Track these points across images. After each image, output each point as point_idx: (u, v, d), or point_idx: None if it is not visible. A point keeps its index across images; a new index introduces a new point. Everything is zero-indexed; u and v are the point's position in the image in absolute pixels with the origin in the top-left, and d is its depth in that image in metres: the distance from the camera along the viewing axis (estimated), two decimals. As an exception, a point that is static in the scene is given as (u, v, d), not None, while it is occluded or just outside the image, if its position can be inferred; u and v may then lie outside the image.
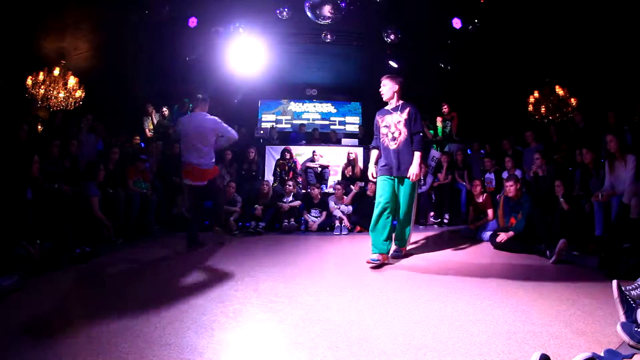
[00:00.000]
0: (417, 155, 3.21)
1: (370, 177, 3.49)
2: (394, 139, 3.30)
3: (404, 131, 3.27)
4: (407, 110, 3.29)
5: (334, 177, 6.80)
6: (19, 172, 3.58)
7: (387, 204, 3.26)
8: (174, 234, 4.95)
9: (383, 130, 3.37)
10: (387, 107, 3.42)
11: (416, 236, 3.64)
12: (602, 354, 1.37)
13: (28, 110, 6.39)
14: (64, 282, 2.64)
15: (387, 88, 3.34)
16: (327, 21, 5.30)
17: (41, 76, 6.38)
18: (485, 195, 4.93)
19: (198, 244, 3.86)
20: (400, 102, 3.34)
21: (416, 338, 1.67)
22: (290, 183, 5.65)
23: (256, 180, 6.29)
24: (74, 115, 6.35)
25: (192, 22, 6.12)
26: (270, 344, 1.66)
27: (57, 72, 6.52)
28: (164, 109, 7.14)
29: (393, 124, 3.31)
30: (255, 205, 5.29)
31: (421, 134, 3.27)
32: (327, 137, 8.38)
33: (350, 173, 6.33)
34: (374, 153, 3.53)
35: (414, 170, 3.18)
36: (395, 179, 3.28)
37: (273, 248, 4.04)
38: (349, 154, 6.48)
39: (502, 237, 3.82)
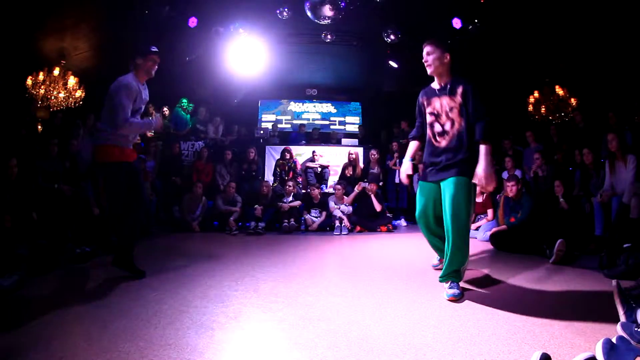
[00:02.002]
0: (484, 149, 2.27)
1: (402, 177, 2.72)
2: (443, 133, 2.43)
3: (459, 121, 2.38)
4: (459, 91, 2.38)
5: (334, 177, 6.81)
6: None
7: (422, 216, 2.55)
8: (174, 234, 4.96)
9: (429, 119, 2.52)
10: (433, 85, 2.56)
11: (416, 237, 3.62)
12: (614, 341, 1.37)
13: (28, 110, 6.40)
14: (64, 283, 2.64)
15: (434, 57, 2.43)
16: (327, 21, 5.30)
17: (41, 76, 6.38)
18: (485, 195, 4.93)
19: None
20: (450, 78, 2.46)
21: (416, 338, 1.67)
22: (290, 183, 5.65)
23: (256, 180, 6.30)
24: (74, 115, 6.36)
25: (192, 22, 6.13)
26: (270, 344, 1.66)
27: (57, 72, 6.52)
28: (165, 108, 7.15)
29: (443, 112, 2.43)
30: (255, 206, 5.29)
31: (488, 119, 2.33)
32: (327, 137, 8.39)
33: (351, 173, 6.33)
34: (412, 145, 2.71)
35: (480, 170, 2.24)
36: (440, 183, 2.43)
37: (273, 248, 4.04)
38: (349, 154, 6.47)
39: (495, 230, 3.92)
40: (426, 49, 2.48)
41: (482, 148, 2.28)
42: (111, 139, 2.65)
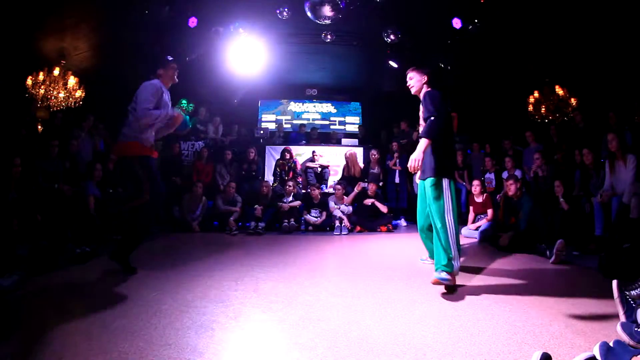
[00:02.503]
0: (421, 142, 2.59)
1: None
2: (419, 136, 2.82)
3: (422, 124, 2.79)
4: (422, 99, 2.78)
5: (334, 177, 6.81)
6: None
7: (418, 212, 3.00)
8: (174, 234, 4.96)
9: None
10: None
11: (416, 237, 3.62)
12: (611, 344, 1.38)
13: (28, 110, 6.40)
14: (64, 282, 2.64)
15: (415, 80, 2.91)
16: (327, 21, 5.30)
17: (41, 76, 6.38)
18: (485, 195, 4.93)
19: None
20: (426, 91, 2.82)
21: (416, 338, 1.67)
22: (291, 183, 5.65)
23: (256, 180, 6.30)
24: (73, 115, 6.36)
25: (192, 22, 6.12)
26: (270, 344, 1.66)
27: (57, 72, 6.52)
28: (164, 109, 7.14)
29: (420, 119, 2.87)
30: (255, 206, 5.29)
31: (432, 117, 2.59)
32: (327, 137, 8.39)
33: (348, 173, 6.34)
34: None
35: (412, 156, 2.57)
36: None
37: (273, 248, 4.04)
38: (345, 155, 6.49)
39: (503, 240, 3.75)
40: (408, 75, 2.96)
41: (421, 142, 2.60)
42: (132, 137, 2.83)
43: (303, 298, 2.25)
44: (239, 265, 3.10)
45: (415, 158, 2.55)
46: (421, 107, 2.79)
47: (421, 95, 2.83)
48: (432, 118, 2.62)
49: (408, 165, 2.59)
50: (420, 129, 2.84)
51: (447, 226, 2.55)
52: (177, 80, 3.15)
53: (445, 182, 2.63)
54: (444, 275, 2.40)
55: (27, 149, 4.77)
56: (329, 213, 5.40)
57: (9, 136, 4.94)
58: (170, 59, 3.13)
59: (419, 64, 3.02)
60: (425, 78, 2.89)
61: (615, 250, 3.01)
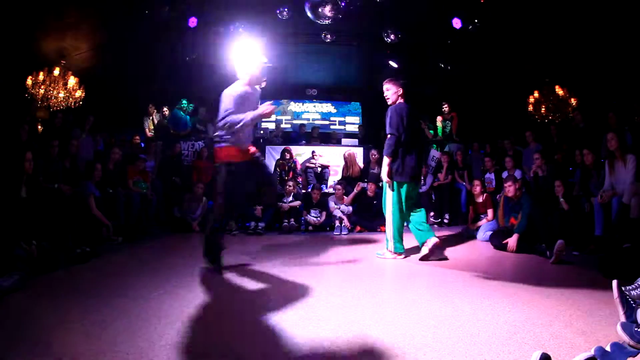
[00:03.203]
0: (384, 160, 3.20)
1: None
2: None
3: (386, 135, 3.23)
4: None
5: (334, 177, 6.80)
6: (12, 170, 3.54)
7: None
8: (173, 234, 4.96)
9: None
10: None
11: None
12: (608, 348, 1.38)
13: (28, 110, 6.40)
14: (64, 283, 2.64)
15: (392, 92, 3.26)
16: (327, 21, 5.31)
17: (41, 76, 6.38)
18: (485, 195, 4.94)
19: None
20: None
21: (416, 338, 1.67)
22: (290, 183, 5.64)
23: (256, 180, 6.28)
24: (73, 115, 6.36)
25: (192, 22, 6.13)
26: (271, 344, 1.66)
27: (57, 72, 6.52)
28: (165, 109, 7.15)
29: None
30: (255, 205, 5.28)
31: (390, 135, 3.13)
32: (327, 137, 8.38)
33: (347, 173, 6.35)
34: None
35: (382, 175, 3.26)
36: None
37: (273, 248, 4.04)
38: (343, 155, 6.50)
39: (511, 244, 3.67)
40: (385, 86, 3.29)
41: (384, 159, 3.21)
42: (228, 141, 2.77)
43: (303, 298, 2.25)
44: (239, 265, 3.10)
45: (383, 175, 3.22)
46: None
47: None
48: (389, 136, 3.11)
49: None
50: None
51: (391, 218, 3.27)
52: (264, 83, 3.05)
53: (393, 184, 3.22)
54: (380, 251, 3.42)
55: (27, 148, 4.76)
56: (329, 213, 5.40)
57: (12, 136, 4.91)
58: (266, 62, 2.99)
59: (395, 76, 3.41)
60: (401, 90, 3.22)
61: (615, 250, 3.01)
